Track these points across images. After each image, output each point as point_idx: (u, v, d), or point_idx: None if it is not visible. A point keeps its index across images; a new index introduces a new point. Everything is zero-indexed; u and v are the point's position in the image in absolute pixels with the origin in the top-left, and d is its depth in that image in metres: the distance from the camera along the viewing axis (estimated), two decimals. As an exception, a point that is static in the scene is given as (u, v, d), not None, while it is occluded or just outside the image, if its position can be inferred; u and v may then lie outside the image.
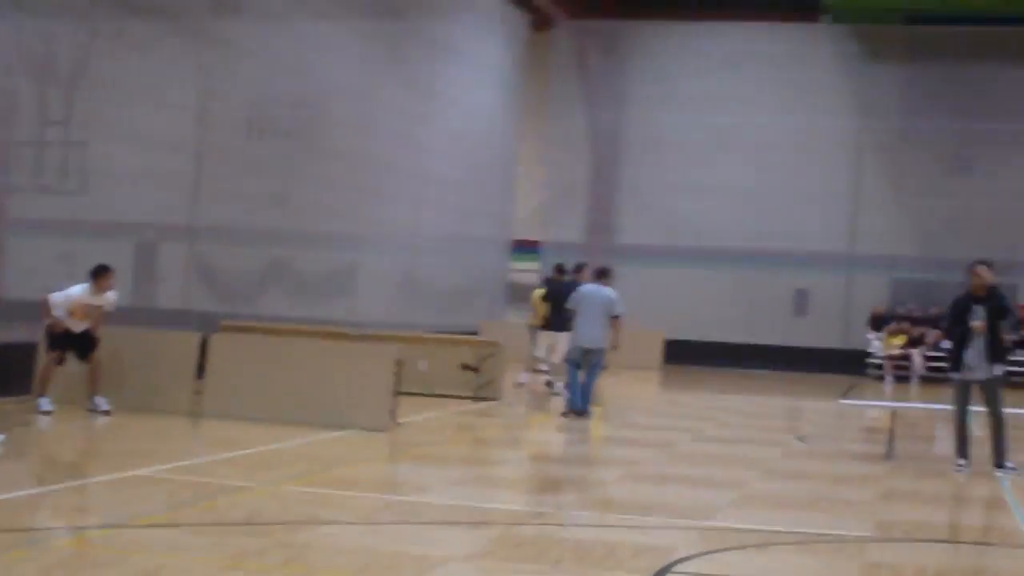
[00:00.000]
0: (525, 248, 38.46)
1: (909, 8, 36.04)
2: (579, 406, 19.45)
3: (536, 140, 39.00)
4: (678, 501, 12.29)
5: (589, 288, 19.99)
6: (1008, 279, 32.93)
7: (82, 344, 16.83)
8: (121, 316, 17.83)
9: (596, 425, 19.09)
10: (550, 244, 38.27)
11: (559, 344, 22.33)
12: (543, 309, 24.48)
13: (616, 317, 19.58)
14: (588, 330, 19.53)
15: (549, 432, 19.74)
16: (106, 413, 16.51)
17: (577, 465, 15.81)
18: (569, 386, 19.84)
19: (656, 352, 33.38)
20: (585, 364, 19.68)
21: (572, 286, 21.55)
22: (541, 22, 38.30)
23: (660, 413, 21.19)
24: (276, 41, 25.63)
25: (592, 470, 15.24)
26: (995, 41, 36.07)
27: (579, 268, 23.08)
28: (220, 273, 25.20)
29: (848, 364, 34.87)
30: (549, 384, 24.01)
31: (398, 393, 16.97)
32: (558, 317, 22.21)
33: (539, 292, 26.76)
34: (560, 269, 24.35)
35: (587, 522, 11.15)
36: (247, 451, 14.05)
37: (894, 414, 17.43)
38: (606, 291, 19.71)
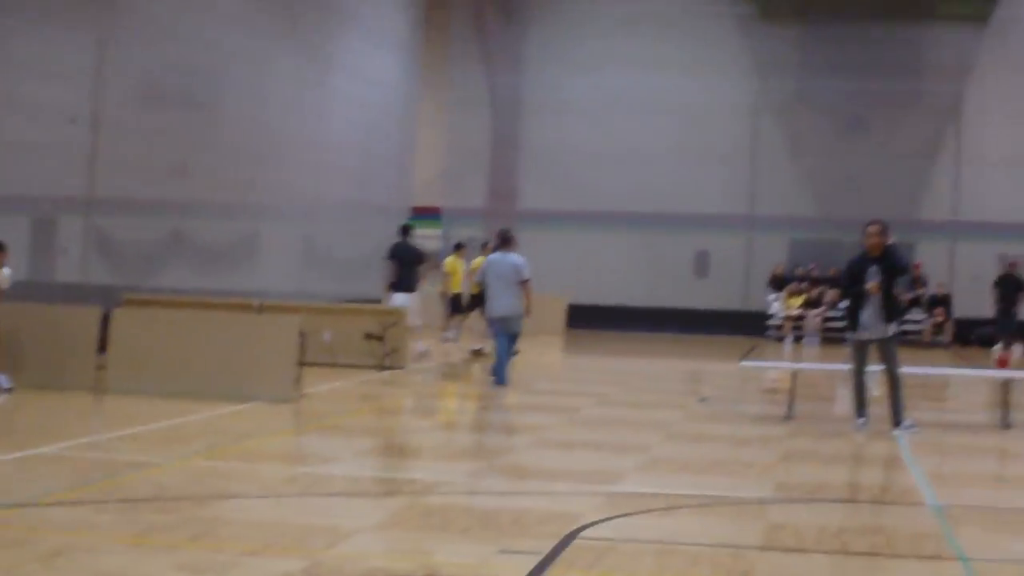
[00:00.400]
0: (427, 215, 38.40)
1: None
2: (503, 378, 19.57)
3: (436, 105, 38.93)
4: (584, 466, 12.41)
5: (494, 257, 20.05)
6: (905, 238, 33.49)
7: (-22, 322, 16.66)
8: (19, 292, 17.65)
9: (501, 392, 19.18)
10: (452, 210, 38.29)
11: (409, 304, 22.77)
12: (455, 277, 24.94)
13: (525, 282, 19.69)
14: (500, 299, 19.63)
15: (455, 400, 19.83)
16: (7, 391, 16.36)
17: (483, 433, 15.91)
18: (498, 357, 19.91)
19: (559, 317, 33.57)
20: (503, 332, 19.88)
21: (411, 248, 23.20)
22: None
23: (564, 378, 21.33)
24: (171, 9, 25.36)
25: (498, 437, 15.35)
26: (889, 1, 36.50)
27: (485, 246, 23.35)
28: (119, 245, 24.97)
29: (749, 325, 35.29)
30: (477, 352, 24.21)
31: (302, 364, 16.96)
32: (404, 279, 23.05)
33: (450, 259, 26.94)
34: (405, 230, 24.41)
35: (494, 490, 11.24)
36: (152, 426, 13.98)
37: (794, 375, 17.69)
38: (512, 257, 19.78)
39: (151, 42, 24.96)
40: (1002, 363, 22.72)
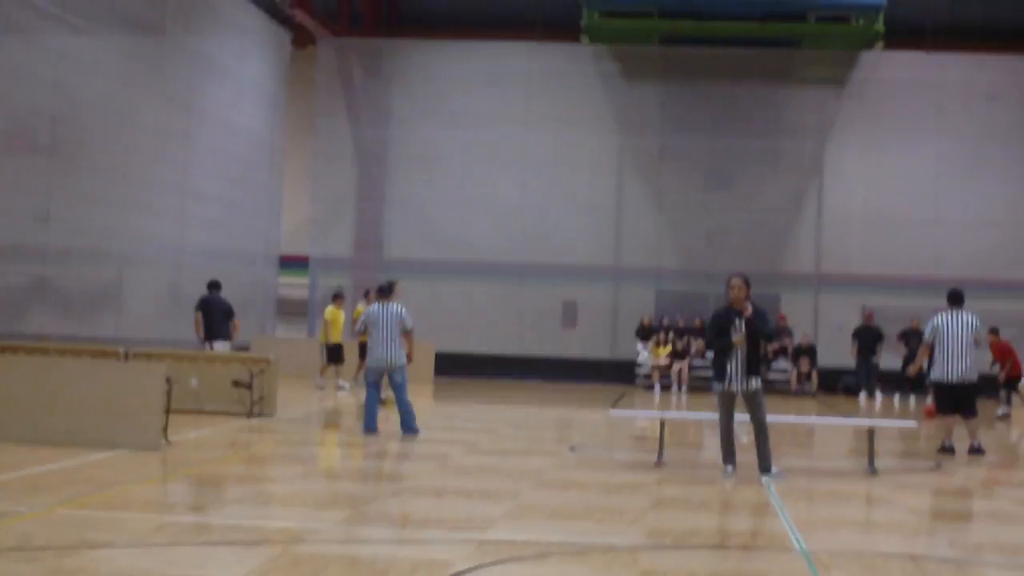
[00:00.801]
0: (294, 263, 38.29)
1: (665, 30, 36.94)
2: (373, 426, 19.52)
3: (303, 155, 38.84)
4: (454, 514, 12.37)
5: (376, 307, 20.06)
6: (770, 290, 34.07)
7: None
8: None
9: (372, 440, 19.08)
10: (319, 259, 38.19)
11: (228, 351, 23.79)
12: (336, 326, 25.09)
13: (408, 332, 19.77)
14: (383, 349, 19.65)
15: (325, 448, 19.69)
16: None
17: (353, 481, 15.79)
18: (368, 406, 19.86)
19: (427, 365, 33.52)
20: (386, 382, 19.97)
21: (220, 301, 24.48)
22: (305, 39, 38.18)
23: (434, 426, 21.24)
24: (33, 56, 25.05)
25: (368, 485, 15.25)
26: (749, 62, 37.29)
27: (367, 295, 23.63)
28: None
29: (617, 374, 35.57)
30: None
31: (169, 411, 16.75)
32: (218, 328, 24.56)
33: (330, 309, 26.97)
34: (213, 285, 25.09)
35: (364, 538, 11.17)
36: (15, 474, 13.70)
37: (663, 423, 17.81)
38: (394, 307, 19.83)
39: (12, 89, 24.62)
40: (929, 413, 22.94)
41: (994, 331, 26.65)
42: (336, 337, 28.53)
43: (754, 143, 37.18)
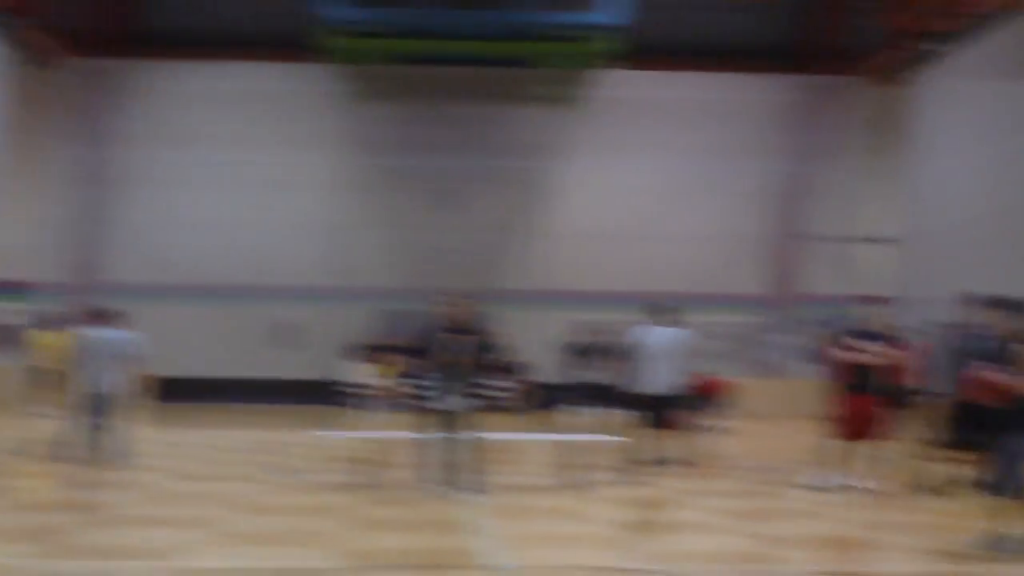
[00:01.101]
0: (10, 289, 37.03)
1: (398, 50, 36.89)
2: (80, 454, 19.01)
3: (23, 177, 37.56)
4: (152, 543, 12.15)
5: (92, 332, 19.54)
6: (488, 307, 34.31)
7: None
8: None
9: (80, 469, 18.59)
10: (36, 284, 37.04)
11: None
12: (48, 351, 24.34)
13: (132, 357, 19.38)
14: (98, 375, 19.17)
15: (26, 479, 19.11)
16: None
17: (51, 512, 15.35)
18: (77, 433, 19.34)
19: (149, 390, 32.78)
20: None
21: None
22: (37, 59, 36.92)
23: (146, 453, 20.79)
24: None
25: (66, 516, 14.83)
26: (480, 82, 37.62)
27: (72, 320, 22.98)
28: None
29: (328, 394, 35.39)
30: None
31: None
32: None
33: (39, 334, 26.19)
34: None
35: (56, 570, 10.87)
36: None
37: (371, 443, 17.79)
38: (114, 332, 19.40)
39: None
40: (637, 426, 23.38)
41: None
42: (48, 362, 27.73)
43: (483, 162, 37.48)
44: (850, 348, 17.76)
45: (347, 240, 37.86)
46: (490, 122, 37.85)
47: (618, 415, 20.20)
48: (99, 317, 19.87)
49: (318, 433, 22.44)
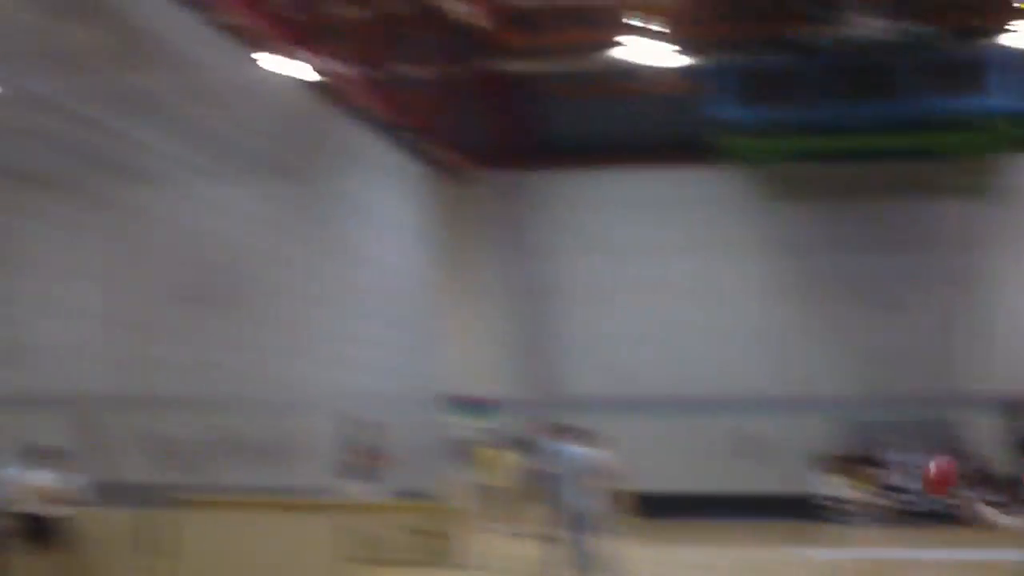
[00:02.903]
0: (471, 404, 37.71)
1: (799, 148, 36.03)
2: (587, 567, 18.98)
3: (454, 293, 38.34)
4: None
5: (561, 449, 19.52)
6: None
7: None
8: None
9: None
10: (502, 400, 37.66)
11: None
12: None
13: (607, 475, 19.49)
14: (571, 493, 19.09)
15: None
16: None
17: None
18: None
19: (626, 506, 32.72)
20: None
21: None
22: (451, 175, 37.88)
23: (627, 571, 20.41)
24: (187, 208, 25.30)
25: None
26: (881, 176, 36.49)
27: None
28: (164, 443, 24.57)
29: (799, 509, 34.38)
30: None
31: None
32: None
33: (493, 451, 26.30)
34: None
35: None
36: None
37: (861, 562, 16.93)
38: (580, 450, 19.48)
39: (168, 240, 24.88)
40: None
41: None
42: (496, 480, 27.86)
43: (912, 259, 36.37)
44: None
45: (795, 346, 37.14)
46: (909, 217, 36.65)
47: None
48: (564, 433, 19.72)
49: (804, 551, 21.60)
